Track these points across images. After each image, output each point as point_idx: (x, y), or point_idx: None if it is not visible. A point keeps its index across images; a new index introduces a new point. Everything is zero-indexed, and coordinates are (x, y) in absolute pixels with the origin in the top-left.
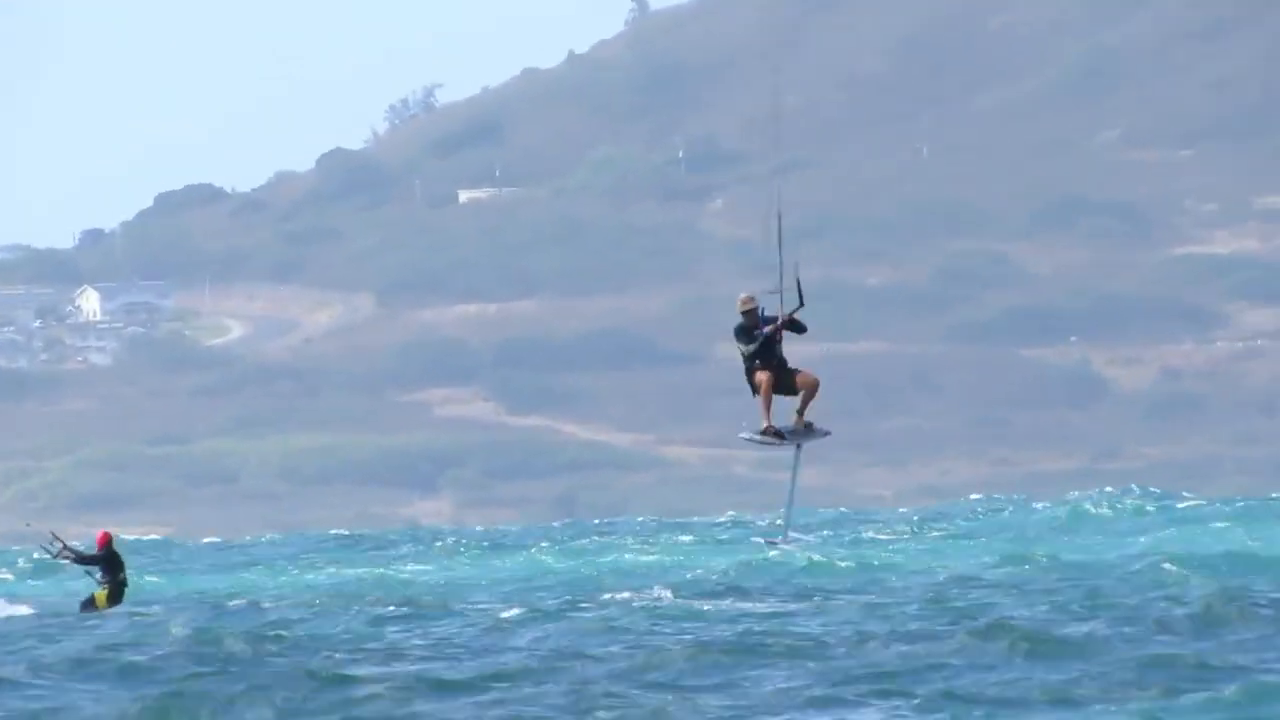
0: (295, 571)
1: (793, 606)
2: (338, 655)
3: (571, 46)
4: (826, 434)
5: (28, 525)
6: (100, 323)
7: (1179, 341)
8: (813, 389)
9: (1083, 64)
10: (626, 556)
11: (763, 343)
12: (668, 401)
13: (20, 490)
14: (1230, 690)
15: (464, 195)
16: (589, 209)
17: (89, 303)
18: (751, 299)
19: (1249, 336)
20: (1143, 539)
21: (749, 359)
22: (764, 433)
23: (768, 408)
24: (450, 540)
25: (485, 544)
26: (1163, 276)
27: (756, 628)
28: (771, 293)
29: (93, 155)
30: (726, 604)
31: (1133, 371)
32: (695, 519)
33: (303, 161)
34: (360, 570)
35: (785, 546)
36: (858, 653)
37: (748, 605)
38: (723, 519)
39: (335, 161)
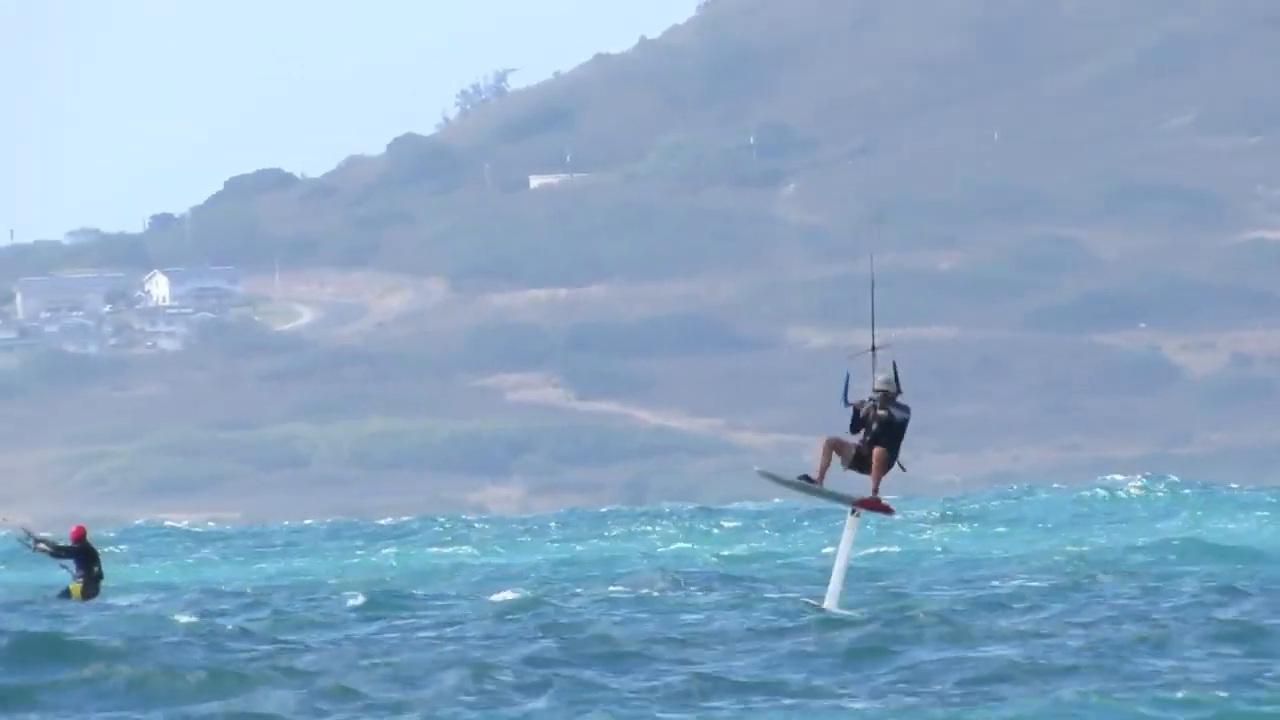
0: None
1: (715, 597)
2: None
3: (643, 31)
4: (889, 512)
5: (4, 519)
6: (169, 307)
7: (1250, 327)
8: (880, 461)
9: (1155, 49)
10: (651, 543)
11: (858, 418)
12: (739, 387)
13: (89, 475)
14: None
15: (535, 180)
16: (660, 194)
17: (158, 288)
18: (884, 382)
19: None
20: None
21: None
22: (799, 477)
23: (821, 464)
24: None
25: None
26: (1233, 262)
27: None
28: (855, 356)
29: (163, 140)
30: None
31: (1203, 357)
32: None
33: (374, 146)
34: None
35: (828, 608)
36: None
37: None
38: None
39: (406, 146)
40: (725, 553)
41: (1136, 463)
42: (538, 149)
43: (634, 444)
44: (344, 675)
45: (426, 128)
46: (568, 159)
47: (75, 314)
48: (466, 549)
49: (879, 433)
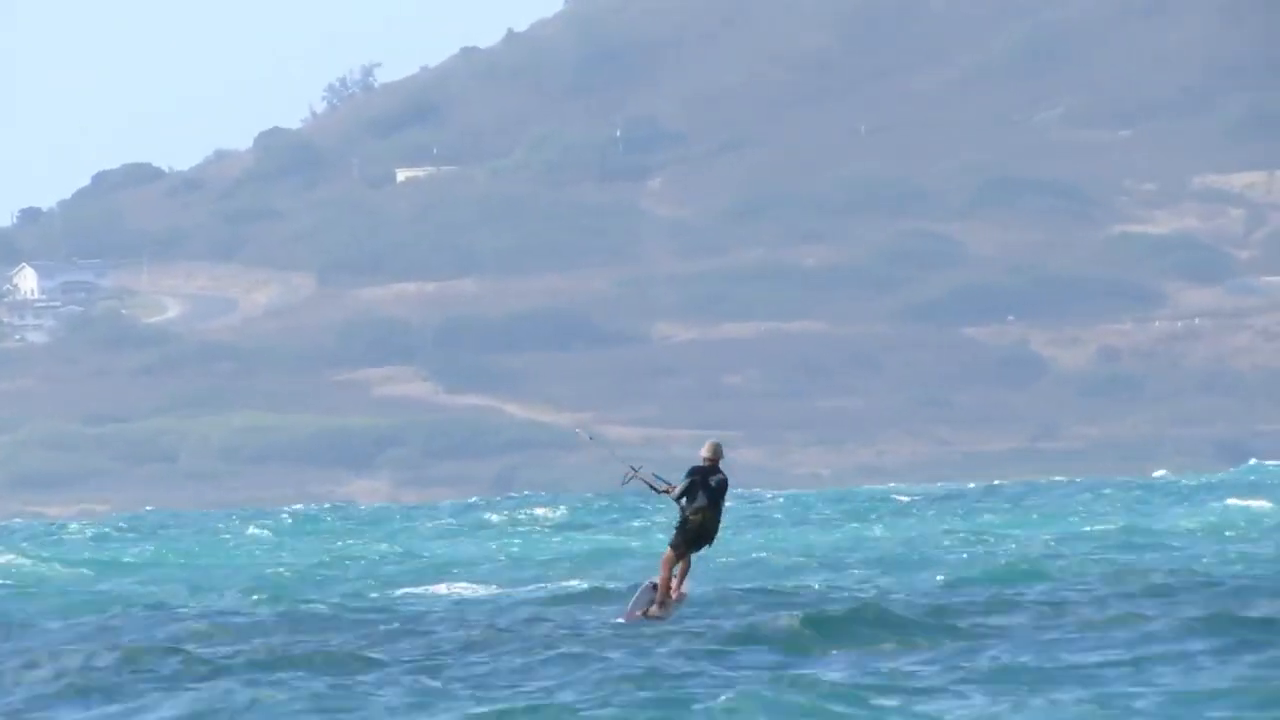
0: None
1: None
2: None
3: (510, 25)
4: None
5: None
6: (38, 301)
7: (1118, 321)
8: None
9: (1023, 43)
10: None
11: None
12: (606, 381)
13: None
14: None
15: (402, 174)
16: (527, 188)
17: (26, 281)
18: (711, 449)
19: (1187, 316)
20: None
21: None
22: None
23: (663, 579)
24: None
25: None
26: (1102, 256)
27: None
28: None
29: (30, 134)
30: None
31: (1071, 351)
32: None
33: (241, 141)
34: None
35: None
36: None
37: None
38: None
39: (273, 141)
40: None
41: (1006, 457)
42: (405, 143)
43: (502, 438)
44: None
45: (293, 122)
46: (435, 152)
47: None
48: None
49: (717, 493)
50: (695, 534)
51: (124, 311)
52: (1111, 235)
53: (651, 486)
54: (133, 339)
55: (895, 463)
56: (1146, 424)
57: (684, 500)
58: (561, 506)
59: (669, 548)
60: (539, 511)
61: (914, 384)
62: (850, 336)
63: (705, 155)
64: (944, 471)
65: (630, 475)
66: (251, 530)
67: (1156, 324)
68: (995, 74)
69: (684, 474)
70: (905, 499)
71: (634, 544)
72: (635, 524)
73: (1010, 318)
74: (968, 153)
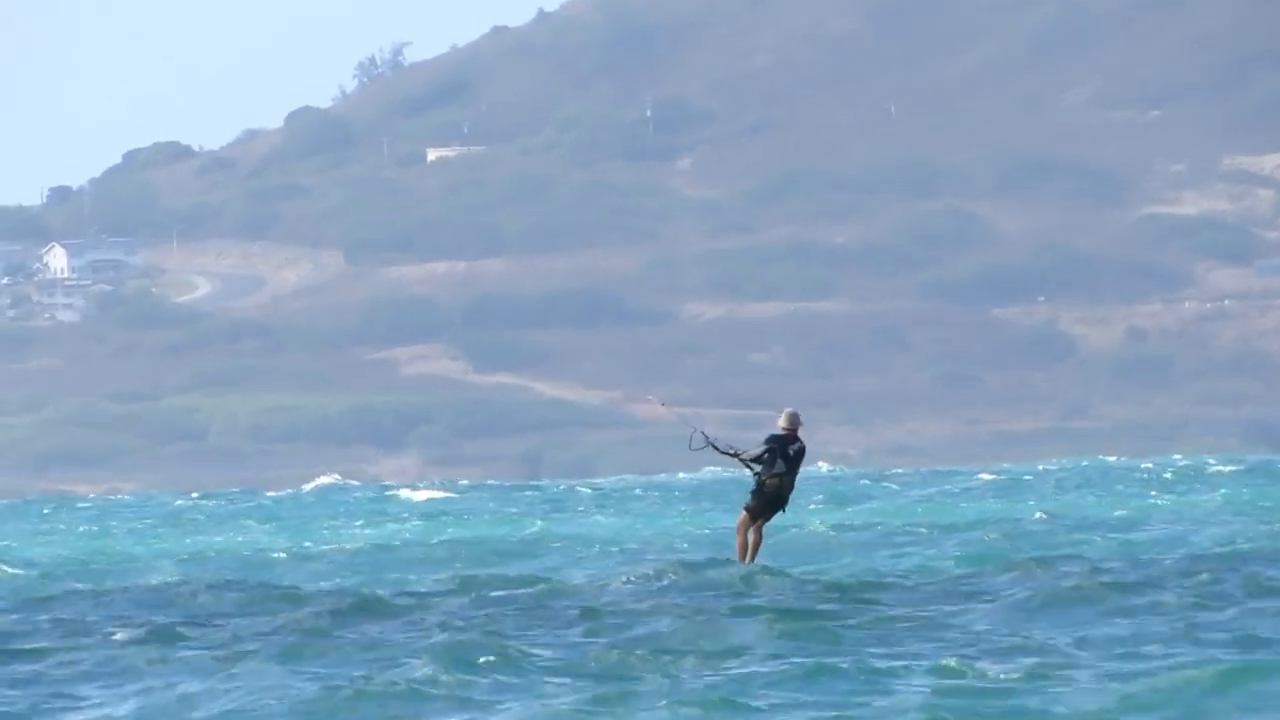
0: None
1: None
2: None
3: (541, 5)
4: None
5: None
6: (67, 280)
7: (1146, 302)
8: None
9: (1052, 25)
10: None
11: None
12: (635, 360)
13: None
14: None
15: (432, 154)
16: (557, 168)
17: (56, 260)
18: (789, 418)
19: (1216, 297)
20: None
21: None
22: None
23: (740, 544)
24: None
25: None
26: (1131, 237)
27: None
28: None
29: (61, 113)
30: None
31: (1100, 331)
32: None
33: (271, 120)
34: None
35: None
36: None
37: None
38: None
39: (303, 120)
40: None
41: (1034, 436)
42: (434, 122)
43: (530, 416)
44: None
45: (324, 101)
46: (465, 132)
47: None
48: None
49: (795, 461)
50: (772, 498)
51: (153, 290)
52: (1140, 216)
53: (720, 450)
54: (162, 317)
55: (924, 442)
56: (1174, 405)
57: (760, 466)
58: None
59: (744, 511)
60: None
61: (942, 363)
62: (878, 316)
63: (734, 135)
64: (973, 451)
65: (702, 442)
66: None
67: (1185, 305)
68: (1024, 55)
69: (763, 441)
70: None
71: None
72: None
73: (1039, 298)
74: (996, 134)
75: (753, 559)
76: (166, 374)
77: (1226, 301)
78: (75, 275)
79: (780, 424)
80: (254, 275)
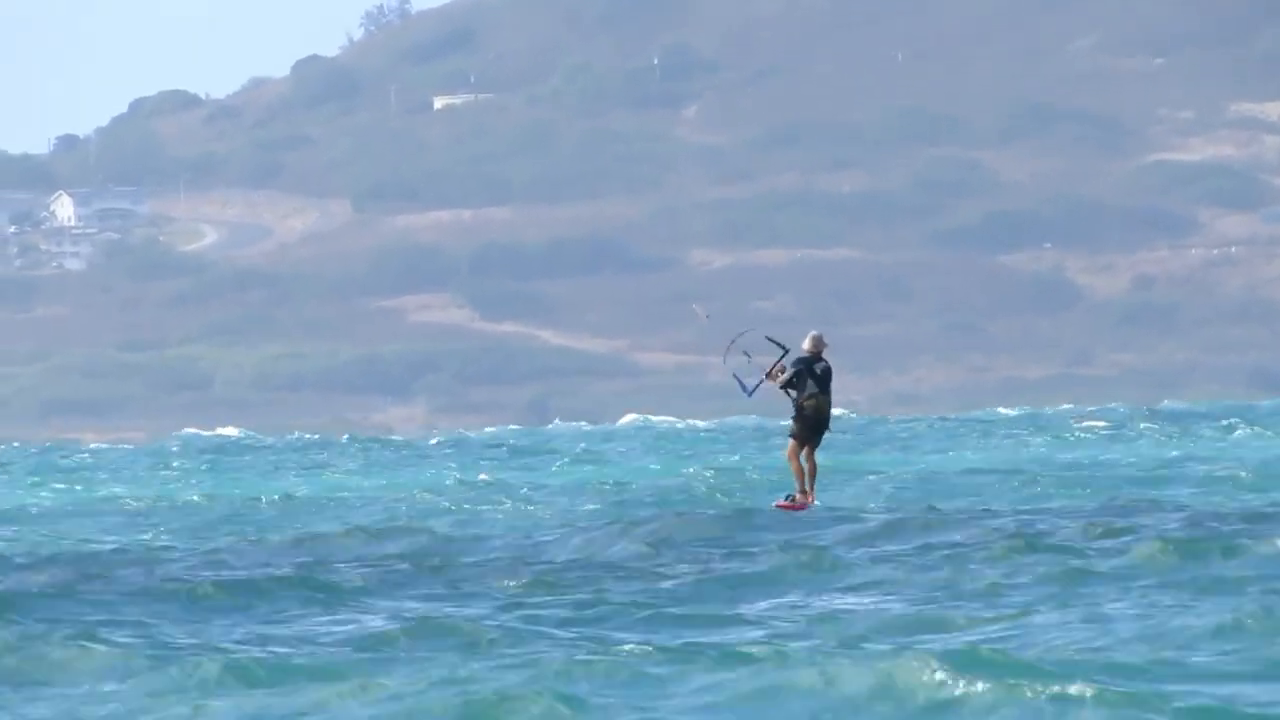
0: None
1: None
2: None
3: None
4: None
5: None
6: (74, 228)
7: (1153, 249)
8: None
9: None
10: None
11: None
12: (641, 308)
13: None
14: None
15: (439, 102)
16: (563, 116)
17: (63, 209)
18: (814, 340)
19: (1222, 244)
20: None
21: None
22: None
23: (798, 473)
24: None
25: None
26: (1137, 184)
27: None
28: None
29: (68, 62)
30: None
31: (1106, 279)
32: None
33: (278, 68)
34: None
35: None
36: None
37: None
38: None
39: (310, 68)
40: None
41: (1041, 383)
42: (441, 71)
43: (537, 364)
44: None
45: (331, 50)
46: (471, 80)
47: None
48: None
49: (824, 380)
50: (814, 420)
51: (160, 238)
52: (1146, 163)
53: (756, 364)
54: (169, 266)
55: (930, 390)
56: (1180, 351)
57: (793, 391)
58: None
59: (790, 439)
60: None
61: (948, 311)
62: (884, 263)
63: (740, 83)
64: (979, 399)
65: (736, 353)
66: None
67: (1192, 252)
68: (1030, 3)
69: (790, 366)
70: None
71: None
72: None
73: (1045, 245)
74: (1003, 81)
75: (812, 486)
76: (173, 323)
77: (1233, 248)
78: (82, 224)
79: (805, 346)
80: (260, 224)
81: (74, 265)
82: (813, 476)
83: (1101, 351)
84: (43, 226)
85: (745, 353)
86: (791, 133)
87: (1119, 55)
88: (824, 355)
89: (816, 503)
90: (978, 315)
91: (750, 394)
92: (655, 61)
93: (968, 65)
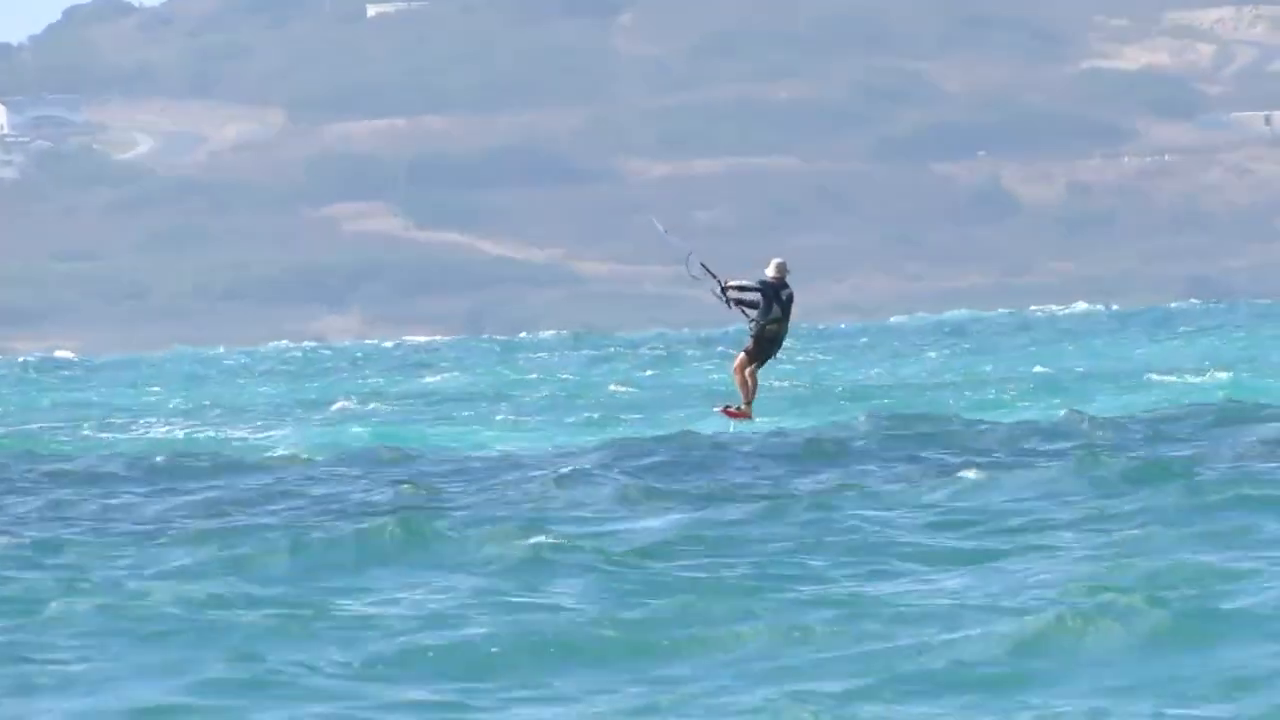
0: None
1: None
2: None
3: None
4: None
5: None
6: (8, 137)
7: (1088, 157)
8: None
9: None
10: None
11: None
12: (579, 218)
13: None
14: None
15: (372, 9)
16: (499, 24)
17: None
18: (778, 266)
19: (1158, 152)
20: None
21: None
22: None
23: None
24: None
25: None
26: (1072, 91)
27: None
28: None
29: None
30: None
31: (1042, 187)
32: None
33: None
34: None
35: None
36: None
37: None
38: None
39: None
40: None
41: (977, 292)
42: None
43: (474, 274)
44: None
45: None
46: None
47: None
48: None
49: (787, 306)
50: (770, 342)
51: (95, 147)
52: (1081, 71)
53: (719, 284)
54: (104, 175)
55: (868, 299)
56: (1118, 259)
57: (753, 311)
58: None
59: (741, 353)
60: None
61: (886, 220)
62: (822, 173)
63: None
64: (917, 307)
65: (700, 270)
66: None
67: (1127, 160)
68: None
69: (758, 288)
70: None
71: None
72: None
73: (981, 153)
74: None
75: (752, 400)
76: (109, 232)
77: (1168, 156)
78: (15, 132)
79: (769, 273)
80: (196, 133)
81: (8, 174)
82: (754, 389)
83: (1038, 260)
84: None
85: (693, 275)
86: (729, 41)
87: None
88: (787, 281)
89: (757, 419)
90: (916, 224)
91: (691, 274)
92: None
93: None
